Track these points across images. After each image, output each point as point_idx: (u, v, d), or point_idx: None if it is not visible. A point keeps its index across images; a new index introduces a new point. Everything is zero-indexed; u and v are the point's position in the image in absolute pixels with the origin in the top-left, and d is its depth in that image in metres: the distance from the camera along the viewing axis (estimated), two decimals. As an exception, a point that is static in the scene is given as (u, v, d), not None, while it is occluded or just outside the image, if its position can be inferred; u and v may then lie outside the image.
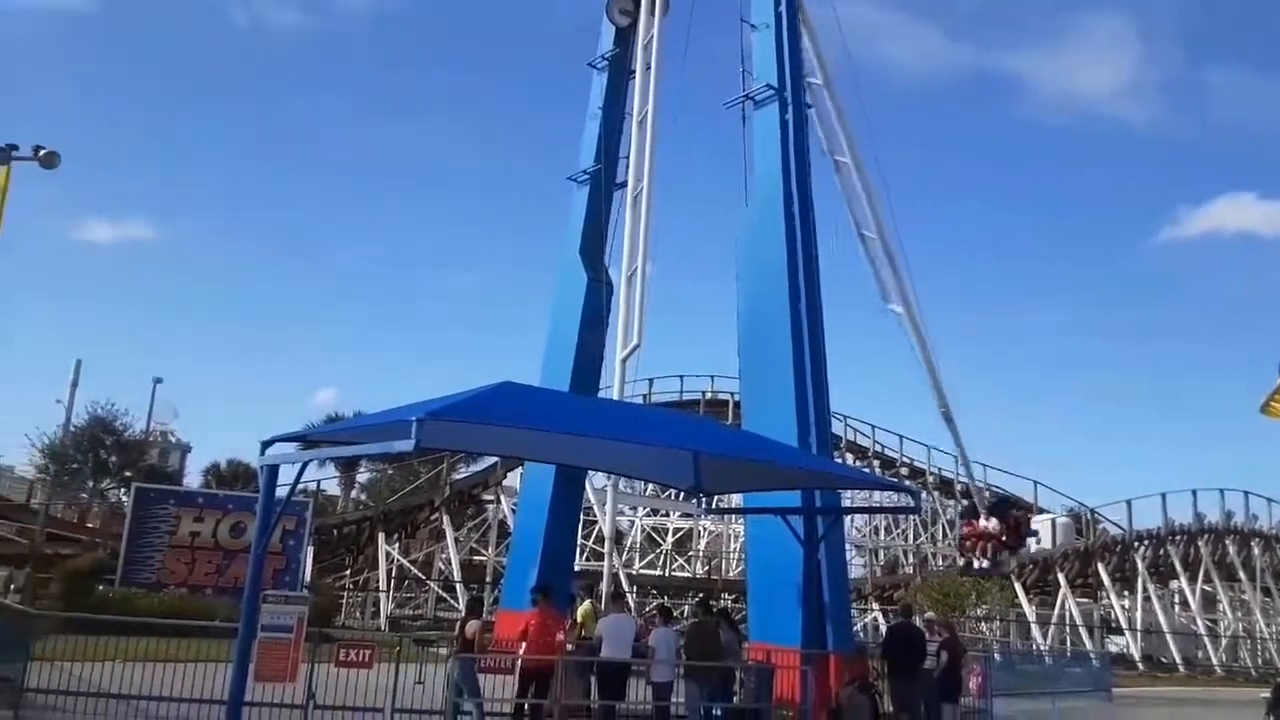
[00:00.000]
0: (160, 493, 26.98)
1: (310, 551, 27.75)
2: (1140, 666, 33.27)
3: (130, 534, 24.43)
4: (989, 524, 21.72)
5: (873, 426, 45.66)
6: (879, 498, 31.95)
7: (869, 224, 22.37)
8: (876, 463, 43.96)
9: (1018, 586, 35.41)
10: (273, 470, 12.99)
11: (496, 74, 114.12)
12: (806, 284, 18.24)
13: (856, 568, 40.07)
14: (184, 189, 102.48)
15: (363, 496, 52.99)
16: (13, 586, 23.33)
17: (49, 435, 43.82)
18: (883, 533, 45.66)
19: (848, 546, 24.31)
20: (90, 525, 33.43)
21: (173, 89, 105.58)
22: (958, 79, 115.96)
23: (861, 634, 31.02)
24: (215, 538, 24.98)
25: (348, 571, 37.44)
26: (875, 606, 35.77)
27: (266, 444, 13.00)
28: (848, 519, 27.32)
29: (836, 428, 34.34)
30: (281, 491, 13.31)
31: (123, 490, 39.64)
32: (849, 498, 20.27)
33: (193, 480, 55.91)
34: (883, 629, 33.32)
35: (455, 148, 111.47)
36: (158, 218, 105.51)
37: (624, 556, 40.05)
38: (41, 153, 27.14)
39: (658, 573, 42.80)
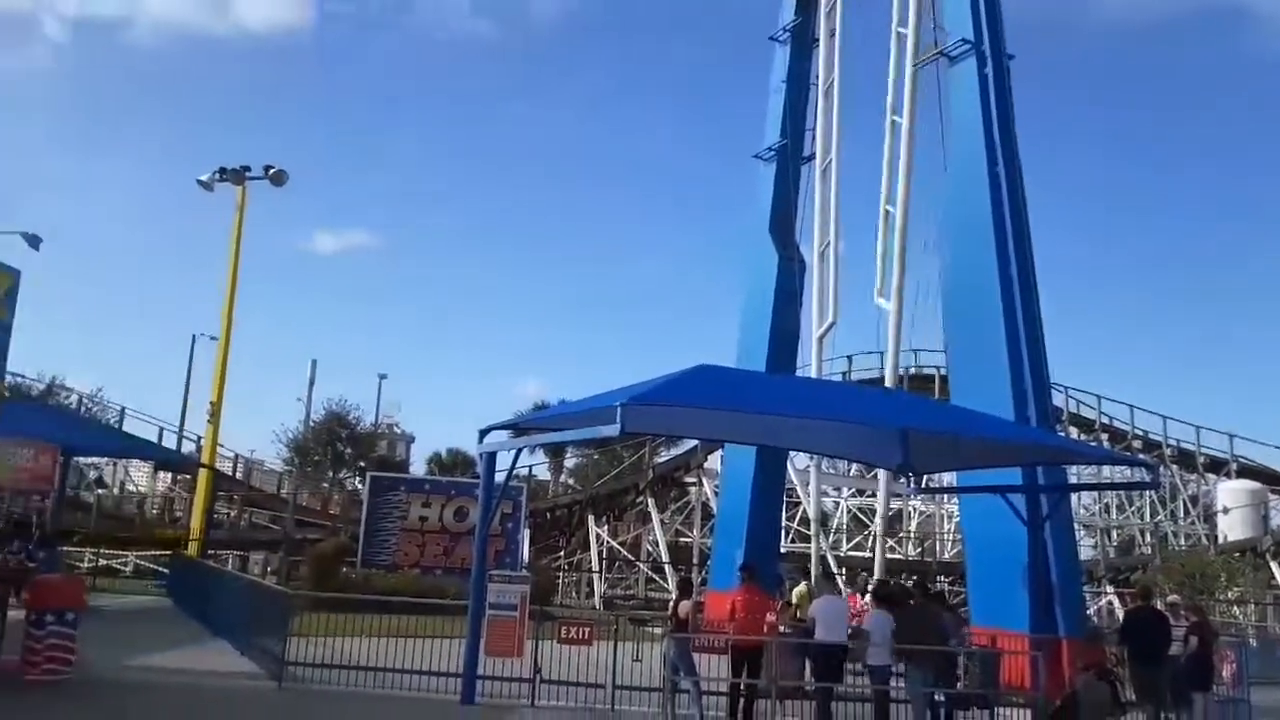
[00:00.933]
0: (392, 480, 28.99)
1: (527, 534, 29.04)
2: None
3: (367, 519, 26.43)
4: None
5: (1099, 397, 42.48)
6: (1108, 473, 29.64)
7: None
8: (1105, 436, 40.89)
9: (1274, 566, 32.04)
10: (491, 457, 13.68)
11: (676, 60, 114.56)
12: (1017, 247, 17.19)
13: (1087, 549, 37.48)
14: (398, 198, 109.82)
15: (571, 481, 54.94)
16: (269, 569, 25.79)
17: (293, 431, 48.34)
18: (1114, 511, 42.47)
19: (1075, 526, 22.75)
20: (332, 512, 36.50)
21: (384, 105, 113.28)
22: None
23: (1095, 619, 29.03)
24: (441, 521, 26.59)
25: (561, 553, 38.92)
26: (1109, 590, 33.33)
27: (484, 432, 13.71)
28: (1075, 497, 25.61)
29: (1057, 399, 32.19)
30: (499, 476, 14.00)
31: (358, 479, 43.00)
32: (1074, 474, 18.92)
33: (417, 468, 59.85)
34: (1118, 613, 31.07)
35: (642, 135, 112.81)
36: (376, 227, 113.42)
37: (830, 538, 39.41)
38: (271, 171, 29.97)
39: (866, 555, 41.83)
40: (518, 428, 15.51)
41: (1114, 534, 43.26)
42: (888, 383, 21.96)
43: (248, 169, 29.79)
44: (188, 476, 34.66)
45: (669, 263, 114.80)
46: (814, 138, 23.85)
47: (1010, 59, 18.54)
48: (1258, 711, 14.73)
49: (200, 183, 29.81)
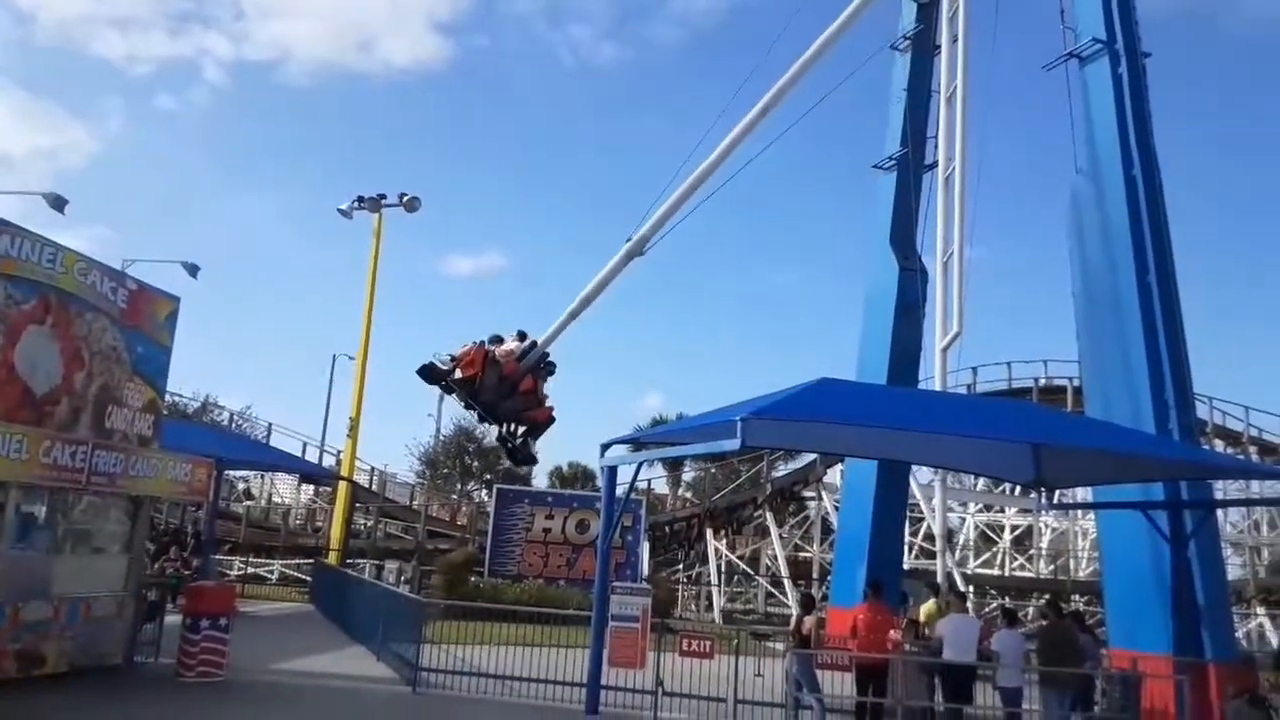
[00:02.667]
0: (516, 493, 29.75)
1: (646, 546, 29.28)
2: None
3: (494, 530, 27.20)
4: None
5: (1246, 408, 39.92)
6: (1259, 488, 27.83)
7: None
8: (1253, 449, 38.37)
9: None
10: (612, 470, 13.92)
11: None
12: (1156, 252, 16.42)
13: (1235, 568, 35.19)
14: (532, 219, 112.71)
15: (688, 495, 55.05)
16: (403, 578, 26.80)
17: (424, 445, 50.18)
18: (1265, 528, 39.75)
19: (1223, 544, 21.45)
20: (460, 523, 37.64)
21: (516, 132, 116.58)
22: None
23: (1245, 642, 27.24)
24: (564, 533, 27.14)
25: (680, 566, 39.03)
26: (1260, 611, 31.22)
27: (605, 446, 13.97)
28: (1221, 513, 24.15)
29: (1201, 411, 30.46)
30: (619, 490, 14.22)
31: (484, 491, 44.28)
32: (1220, 489, 17.90)
33: (539, 482, 61.10)
34: (1271, 637, 29.07)
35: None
36: (507, 248, 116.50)
37: (957, 555, 38.22)
38: (406, 199, 31.33)
39: (995, 572, 40.36)
40: (638, 442, 15.71)
41: (1264, 552, 40.44)
42: (936, 361, 21.04)
43: (384, 197, 31.25)
44: (328, 489, 36.27)
45: (798, 275, 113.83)
46: (936, 145, 23.37)
47: (1146, 57, 17.79)
48: None
49: (340, 211, 31.39)
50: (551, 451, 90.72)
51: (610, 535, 14.07)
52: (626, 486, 14.35)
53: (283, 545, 33.71)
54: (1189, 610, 14.27)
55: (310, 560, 30.69)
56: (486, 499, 37.96)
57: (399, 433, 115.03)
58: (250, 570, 31.21)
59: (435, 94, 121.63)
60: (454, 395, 17.34)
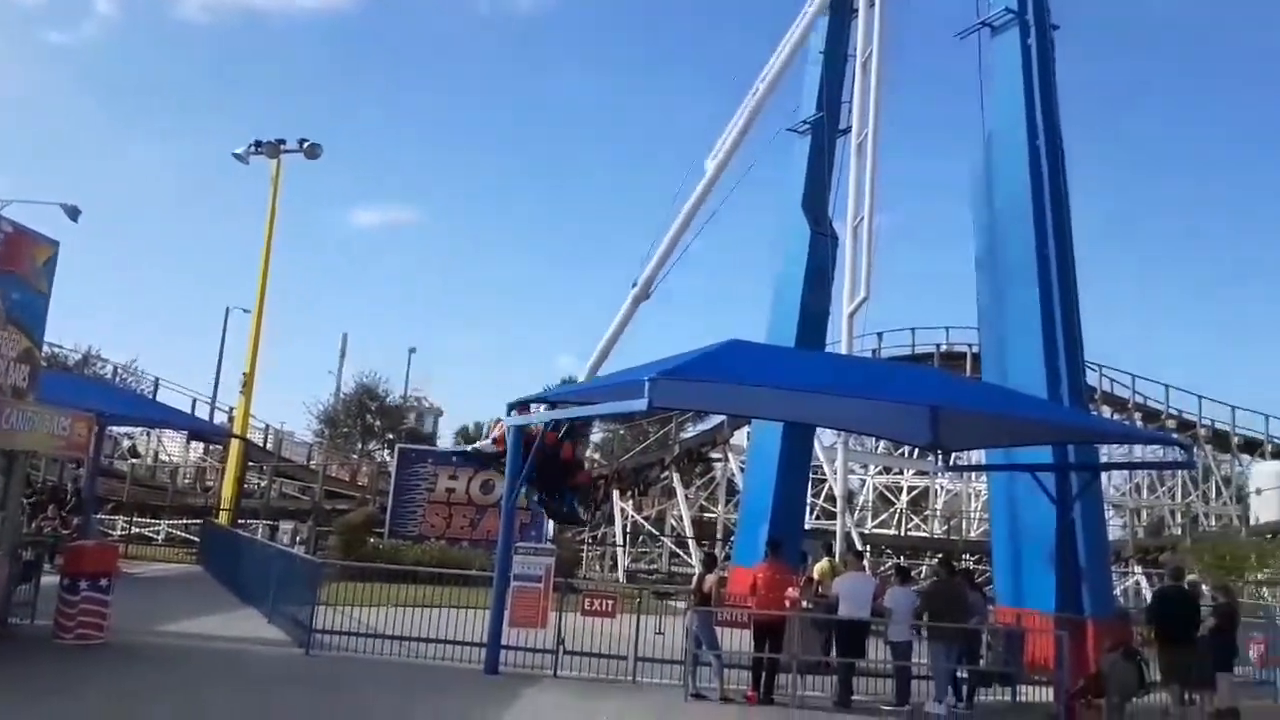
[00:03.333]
0: (419, 453, 29.23)
1: (552, 507, 29.14)
2: None
3: (395, 490, 26.69)
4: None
5: (1133, 376, 41.92)
6: (1141, 453, 29.34)
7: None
8: (1138, 415, 40.37)
9: (1310, 549, 31.54)
10: (519, 430, 13.72)
11: (717, 32, 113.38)
12: (1055, 224, 16.88)
13: (1115, 529, 37.11)
14: (437, 175, 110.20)
15: (596, 456, 55.17)
16: (298, 539, 26.11)
17: (323, 403, 48.89)
18: (1145, 491, 42.00)
19: (1105, 506, 22.48)
20: (360, 483, 36.87)
21: (427, 82, 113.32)
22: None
23: (1122, 599, 28.78)
24: (468, 494, 26.80)
25: (585, 527, 39.11)
26: (1137, 570, 33.02)
27: (512, 406, 13.78)
28: (1105, 476, 25.32)
29: (1091, 378, 31.74)
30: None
31: (386, 451, 43.44)
32: (1106, 453, 18.70)
33: (445, 441, 60.33)
34: (1146, 594, 30.77)
35: (680, 108, 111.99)
36: (415, 202, 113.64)
37: (856, 515, 39.29)
38: (306, 145, 30.10)
39: (892, 532, 41.67)
40: (545, 401, 15.50)
41: (1144, 514, 42.76)
42: (843, 326, 21.51)
43: (283, 142, 29.95)
44: (219, 447, 35.12)
45: (705, 239, 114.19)
46: (850, 111, 23.51)
47: (1055, 29, 18.13)
48: (1286, 694, 14.59)
49: (236, 156, 29.98)
50: (458, 411, 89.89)
51: (515, 494, 13.91)
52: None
53: (170, 505, 32.53)
54: (1071, 569, 14.91)
55: (199, 521, 29.64)
56: (388, 459, 37.21)
57: (297, 390, 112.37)
58: (135, 530, 30.00)
59: (343, 37, 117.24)
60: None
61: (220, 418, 35.87)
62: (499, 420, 17.17)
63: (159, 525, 31.08)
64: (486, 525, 25.45)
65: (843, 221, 23.19)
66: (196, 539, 28.45)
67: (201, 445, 39.38)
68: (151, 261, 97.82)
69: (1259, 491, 36.79)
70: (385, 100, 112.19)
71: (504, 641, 12.52)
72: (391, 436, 45.22)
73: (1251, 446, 41.59)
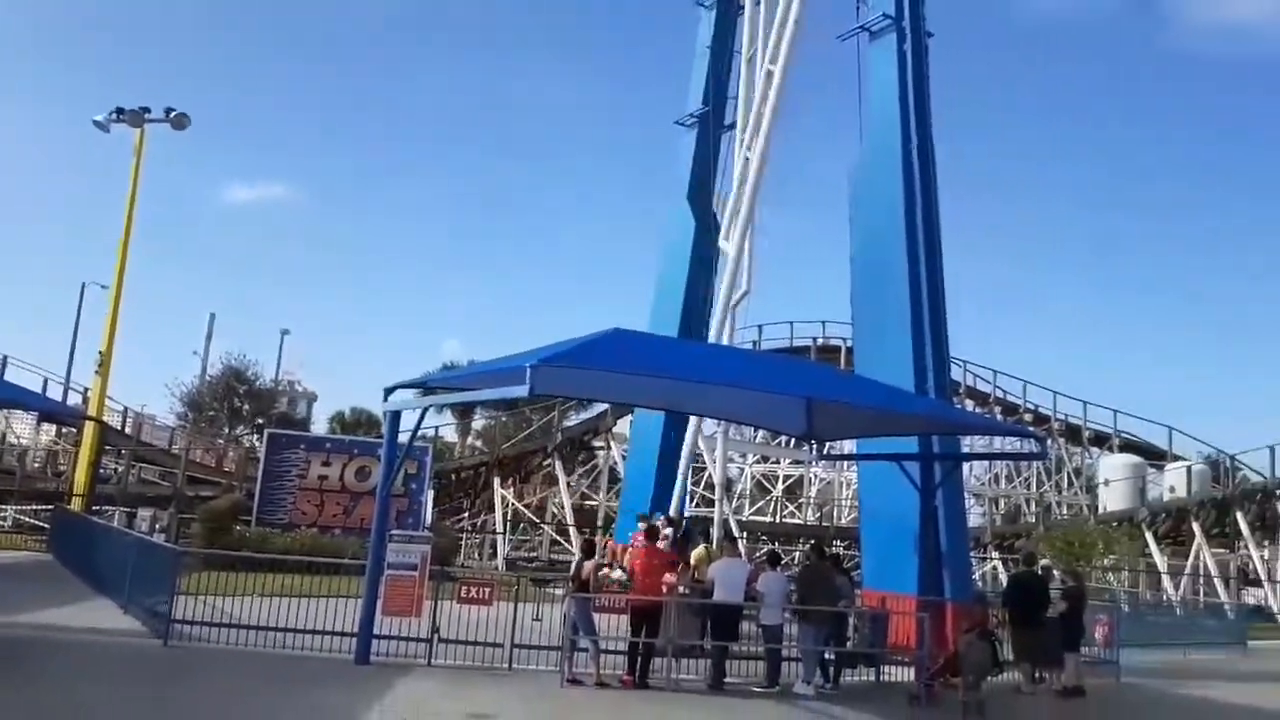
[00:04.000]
0: (290, 438, 28.23)
1: (431, 495, 28.68)
2: (1280, 620, 31.56)
3: (264, 477, 25.70)
4: None
5: (994, 372, 44.18)
6: (1000, 444, 30.87)
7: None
8: (998, 409, 42.55)
9: (1149, 536, 33.94)
10: (395, 416, 13.44)
11: (604, 20, 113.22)
12: (925, 225, 17.58)
13: (975, 516, 39.08)
14: (317, 153, 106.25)
15: (478, 443, 54.55)
16: (159, 526, 24.87)
17: (186, 385, 46.70)
18: (1003, 481, 44.36)
19: (966, 494, 23.60)
20: (227, 469, 35.40)
21: (307, 57, 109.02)
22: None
23: (980, 583, 30.32)
24: (342, 481, 26.05)
25: (466, 515, 38.67)
26: (995, 555, 34.87)
27: (389, 391, 13.47)
28: (966, 467, 26.58)
29: (955, 373, 33.30)
30: (403, 437, 13.76)
31: (256, 436, 41.85)
32: (968, 444, 19.64)
33: (319, 427, 58.70)
34: (1002, 578, 32.50)
35: (574, 99, 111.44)
36: (292, 180, 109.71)
37: (734, 503, 40.10)
38: (173, 114, 28.61)
39: (768, 519, 42.74)
40: (425, 386, 15.21)
41: (1001, 503, 45.16)
42: (714, 329, 21.83)
43: (147, 111, 28.41)
44: (73, 430, 33.14)
45: (596, 227, 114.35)
46: (736, 106, 23.84)
47: (930, 37, 18.82)
48: (1125, 671, 15.66)
49: (96, 123, 28.30)
50: (334, 397, 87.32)
51: (390, 482, 13.61)
52: (411, 433, 13.91)
53: (18, 490, 30.52)
54: (933, 554, 15.62)
55: (50, 507, 27.92)
56: (258, 444, 35.85)
57: (159, 372, 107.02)
58: (-22, 517, 28.05)
59: (224, 7, 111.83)
60: None
61: (75, 399, 33.84)
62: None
63: (6, 511, 29.15)
64: (361, 513, 24.78)
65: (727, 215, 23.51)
66: (46, 526, 26.81)
67: (54, 428, 37.07)
68: (1, 234, 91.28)
69: (1107, 483, 39.34)
70: (261, 74, 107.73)
71: (377, 630, 12.24)
72: (261, 421, 43.55)
73: (1101, 440, 44.40)
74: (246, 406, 45.64)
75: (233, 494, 28.22)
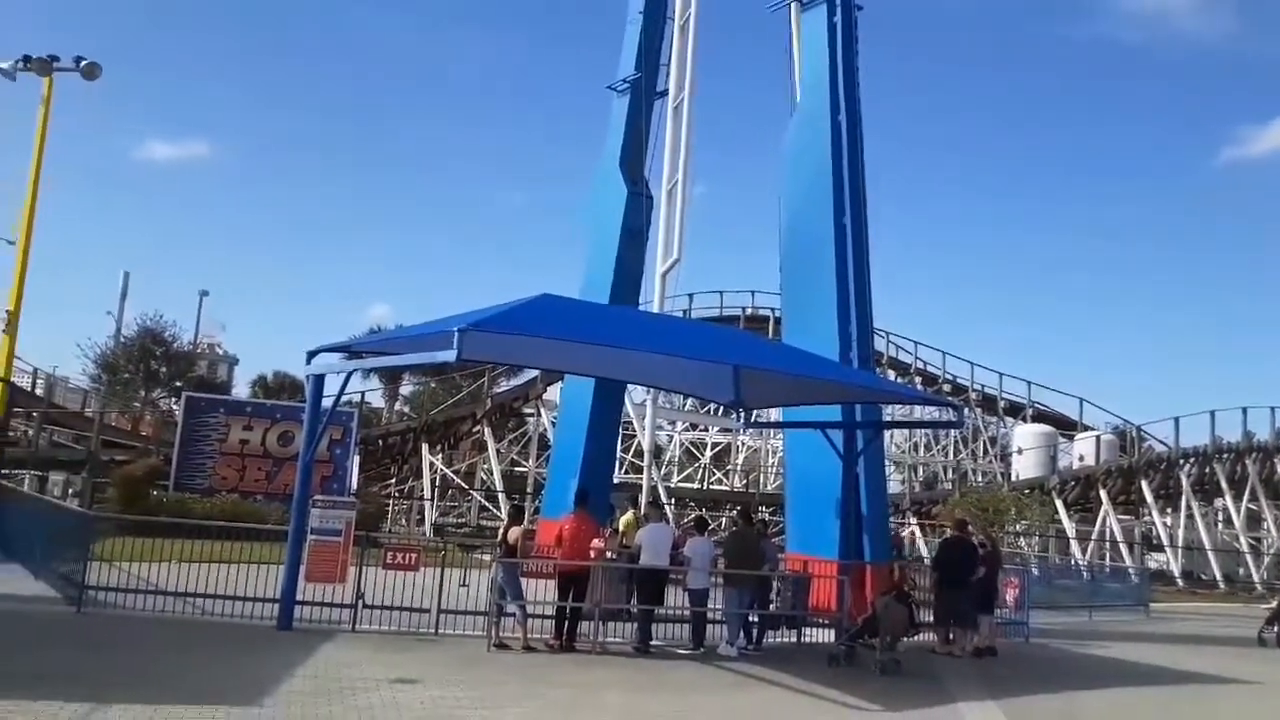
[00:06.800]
0: (209, 401, 27.61)
1: (356, 460, 28.39)
2: (1180, 583, 33.23)
3: (182, 441, 25.10)
4: None
5: (915, 343, 45.35)
6: (920, 413, 31.75)
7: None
8: (919, 379, 43.67)
9: (1059, 503, 35.32)
10: (319, 380, 13.20)
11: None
12: (852, 197, 17.82)
13: (895, 483, 40.18)
14: (242, 110, 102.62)
15: (406, 409, 53.93)
16: (71, 490, 24.15)
17: (100, 346, 45.07)
18: (922, 449, 45.62)
19: (886, 462, 24.22)
20: (143, 433, 34.37)
21: (235, 11, 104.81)
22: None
23: (898, 550, 31.19)
24: (264, 445, 25.60)
25: (393, 481, 38.32)
26: (913, 521, 35.93)
27: (312, 354, 13.22)
28: (887, 434, 27.27)
29: (878, 344, 33.99)
30: (327, 402, 13.54)
31: (173, 400, 40.69)
32: (889, 413, 20.12)
33: (241, 391, 57.39)
34: (920, 544, 33.54)
35: (504, 58, 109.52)
36: (216, 138, 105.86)
37: (663, 470, 40.50)
38: (84, 64, 27.31)
39: (696, 486, 43.29)
40: (350, 350, 14.95)
41: (920, 470, 46.49)
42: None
43: (56, 59, 27.06)
44: (-22, 391, 31.72)
45: (530, 191, 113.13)
46: (669, 73, 23.76)
47: (859, 9, 18.95)
48: (1035, 632, 16.39)
49: (1, 71, 26.87)
50: (255, 360, 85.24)
51: (313, 447, 13.41)
52: (335, 397, 13.70)
53: (-81, 454, 29.13)
54: (854, 519, 16.03)
55: (-45, 471, 26.78)
56: (175, 408, 34.87)
57: (70, 331, 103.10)
58: (-125, 482, 26.73)
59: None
60: None
61: (-21, 359, 32.35)
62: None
63: (-98, 477, 27.83)
64: (284, 478, 24.40)
65: (659, 183, 23.55)
66: (-51, 492, 25.73)
67: (-44, 389, 35.43)
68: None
69: (1020, 451, 40.77)
70: (186, 30, 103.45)
71: (299, 597, 12.11)
72: (180, 385, 42.33)
73: (1015, 410, 45.95)
74: (164, 369, 44.26)
75: (149, 458, 27.45)
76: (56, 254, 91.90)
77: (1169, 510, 38.55)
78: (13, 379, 27.72)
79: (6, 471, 25.70)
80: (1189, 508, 36.90)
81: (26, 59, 26.97)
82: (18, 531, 15.93)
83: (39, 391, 33.52)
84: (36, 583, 13.53)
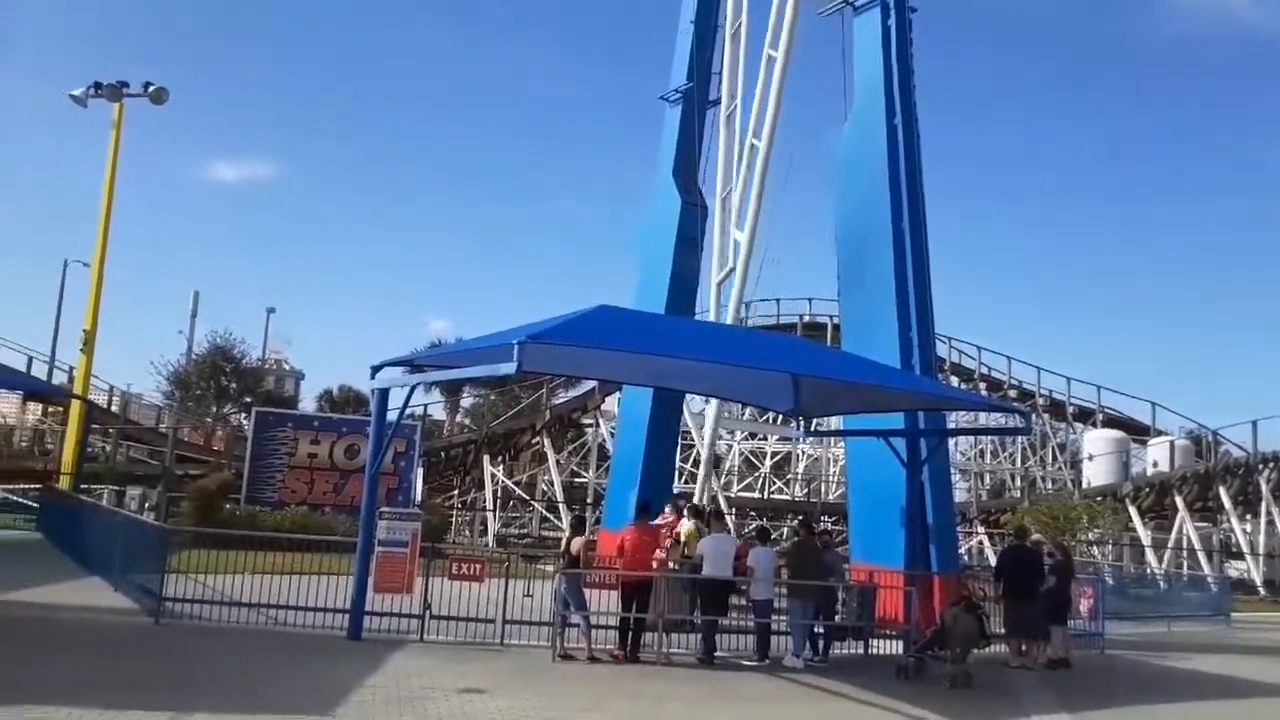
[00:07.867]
0: (278, 416, 28.18)
1: (420, 472, 28.74)
2: (1262, 591, 32.03)
3: (252, 455, 25.66)
4: None
5: (979, 348, 44.51)
6: (985, 420, 31.16)
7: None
8: (983, 385, 42.83)
9: (1132, 510, 34.36)
10: (383, 393, 13.44)
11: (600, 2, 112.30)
12: (910, 200, 17.59)
13: (961, 491, 39.43)
14: (304, 131, 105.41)
15: (467, 421, 54.54)
16: (147, 504, 24.83)
17: (173, 364, 46.50)
18: (989, 456, 44.72)
19: (951, 469, 23.78)
20: (215, 448, 35.32)
21: (295, 32, 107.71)
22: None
23: (966, 557, 30.65)
24: (331, 459, 26.05)
25: (456, 492, 38.74)
26: (980, 530, 35.23)
27: (376, 368, 13.47)
28: (952, 442, 26.81)
29: (940, 350, 33.48)
30: (391, 415, 13.76)
31: (243, 415, 41.74)
32: (954, 420, 19.78)
33: (307, 405, 58.59)
34: (989, 553, 32.87)
35: (559, 76, 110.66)
36: (279, 158, 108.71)
37: (722, 479, 40.32)
38: (152, 89, 28.30)
39: (756, 495, 42.99)
40: (412, 364, 15.20)
41: (987, 478, 45.58)
42: (732, 311, 21.74)
43: (125, 85, 28.11)
44: (60, 409, 32.98)
45: (582, 203, 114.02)
46: (720, 82, 23.72)
47: (913, 12, 18.75)
48: (1111, 643, 15.93)
49: (73, 97, 28.00)
50: (321, 375, 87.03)
51: (379, 460, 13.64)
52: (399, 410, 13.92)
53: (5, 469, 30.38)
54: (920, 529, 15.77)
55: (38, 486, 27.84)
56: (245, 423, 35.77)
57: (145, 351, 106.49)
58: (-35, 497, 27.94)
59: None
60: None
61: (60, 378, 33.66)
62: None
63: (-7, 490, 29.07)
64: (351, 490, 24.82)
65: (712, 192, 23.47)
66: (35, 505, 26.74)
67: (40, 406, 36.92)
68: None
69: (1090, 457, 39.76)
70: (246, 53, 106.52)
71: (368, 607, 12.31)
72: (248, 400, 43.45)
73: (1085, 415, 44.80)
74: (233, 385, 45.51)
75: (221, 472, 28.16)
76: (129, 275, 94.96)
77: (1249, 517, 37.19)
78: (90, 397, 28.79)
79: (86, 486, 26.61)
80: (1270, 514, 35.56)
81: (98, 85, 28.05)
82: (98, 545, 16.43)
83: (115, 409, 34.71)
84: (116, 594, 13.94)
